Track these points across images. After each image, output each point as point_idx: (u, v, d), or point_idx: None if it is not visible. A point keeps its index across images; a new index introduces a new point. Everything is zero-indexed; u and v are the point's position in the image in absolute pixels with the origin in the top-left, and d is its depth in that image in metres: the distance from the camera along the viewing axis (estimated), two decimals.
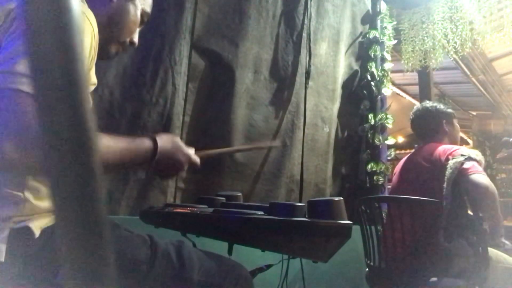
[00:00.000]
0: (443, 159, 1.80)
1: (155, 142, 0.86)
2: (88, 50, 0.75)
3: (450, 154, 1.80)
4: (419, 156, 1.97)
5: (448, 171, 1.73)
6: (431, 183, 1.80)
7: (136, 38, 1.02)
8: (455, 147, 1.86)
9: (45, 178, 0.30)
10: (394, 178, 2.14)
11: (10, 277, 0.70)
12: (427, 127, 2.05)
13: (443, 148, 1.86)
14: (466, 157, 1.73)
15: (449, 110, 2.08)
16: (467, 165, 1.71)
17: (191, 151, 0.96)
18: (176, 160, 0.91)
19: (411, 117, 2.14)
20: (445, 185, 1.72)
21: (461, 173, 1.71)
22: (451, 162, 1.74)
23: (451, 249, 1.68)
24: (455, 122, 2.08)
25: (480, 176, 1.67)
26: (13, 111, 0.61)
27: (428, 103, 2.14)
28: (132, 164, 0.86)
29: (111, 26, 0.93)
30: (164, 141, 0.88)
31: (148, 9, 1.03)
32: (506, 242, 1.75)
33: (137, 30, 1.02)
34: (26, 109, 0.60)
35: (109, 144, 0.77)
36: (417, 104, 2.22)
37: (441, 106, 2.09)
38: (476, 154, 1.78)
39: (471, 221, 1.76)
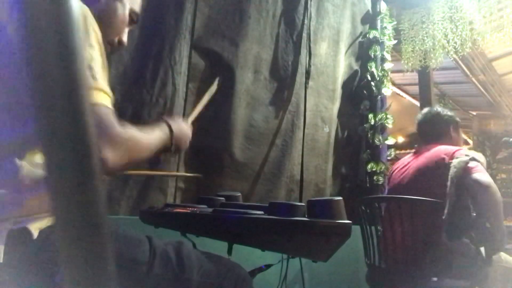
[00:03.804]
0: (447, 159, 1.81)
1: (171, 128, 0.96)
2: (98, 47, 0.75)
3: (454, 153, 1.81)
4: (421, 156, 1.97)
5: (452, 170, 1.73)
6: (434, 183, 1.80)
7: (125, 38, 1.00)
8: (457, 147, 1.88)
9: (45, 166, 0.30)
10: (393, 178, 2.13)
11: (7, 278, 0.70)
12: (435, 131, 2.07)
13: (445, 149, 1.87)
14: (470, 157, 1.75)
15: (457, 118, 2.15)
16: (471, 164, 1.73)
17: (189, 132, 1.07)
18: (184, 141, 1.03)
19: (419, 118, 2.16)
20: (448, 183, 1.72)
21: (465, 171, 1.72)
22: (455, 161, 1.75)
23: (453, 249, 1.68)
24: (460, 130, 2.14)
25: (483, 175, 1.69)
26: (102, 123, 0.71)
27: (439, 108, 2.18)
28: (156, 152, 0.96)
29: (99, 23, 0.92)
30: (175, 123, 0.99)
31: (137, 8, 1.01)
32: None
33: (126, 29, 1.01)
34: (109, 118, 0.73)
35: (147, 138, 0.86)
36: (426, 108, 2.24)
37: (450, 113, 2.14)
38: (480, 156, 1.80)
39: (474, 221, 1.76)
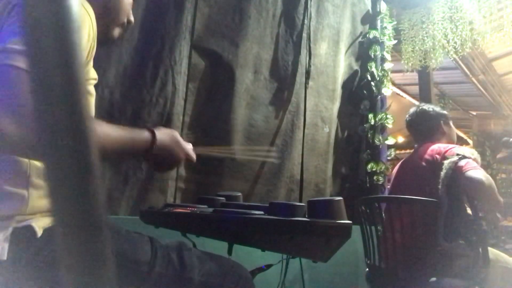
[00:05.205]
0: (439, 158, 1.81)
1: (153, 134, 0.87)
2: (86, 41, 0.76)
3: (445, 153, 1.80)
4: (416, 156, 1.98)
5: (443, 172, 1.73)
6: (429, 183, 1.80)
7: (131, 17, 1.05)
8: (450, 146, 1.86)
9: (43, 162, 0.30)
10: (393, 179, 2.14)
11: (11, 275, 0.70)
12: (425, 129, 2.06)
13: (438, 148, 1.87)
14: (460, 156, 1.74)
15: (445, 112, 2.11)
16: (461, 163, 1.72)
17: (189, 146, 0.97)
18: (173, 153, 0.92)
19: (407, 119, 2.15)
20: (440, 186, 1.72)
21: (456, 171, 1.71)
22: (445, 163, 1.75)
23: (451, 249, 1.68)
24: (451, 122, 2.10)
25: (475, 172, 1.67)
26: (9, 87, 0.62)
27: (425, 106, 2.15)
28: (129, 153, 0.92)
29: (109, 10, 0.96)
30: (162, 133, 0.89)
31: None
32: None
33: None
34: (22, 84, 0.61)
35: (108, 132, 0.79)
36: (413, 107, 2.21)
37: (437, 108, 2.11)
38: (471, 152, 1.79)
39: (471, 221, 1.76)
